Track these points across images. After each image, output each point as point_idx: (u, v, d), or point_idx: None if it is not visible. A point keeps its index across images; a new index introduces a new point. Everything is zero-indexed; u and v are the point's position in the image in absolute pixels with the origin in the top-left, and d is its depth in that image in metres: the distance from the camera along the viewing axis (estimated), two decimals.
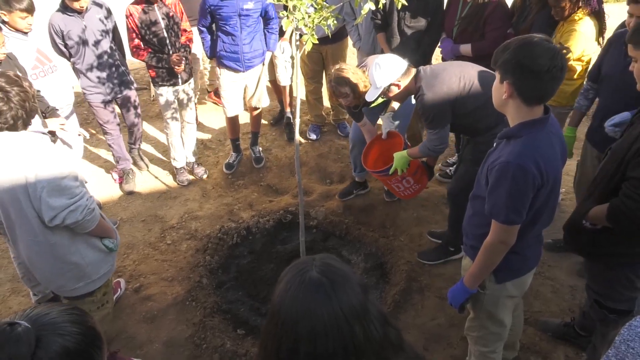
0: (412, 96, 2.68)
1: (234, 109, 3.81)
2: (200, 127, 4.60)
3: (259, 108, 3.96)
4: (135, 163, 4.13)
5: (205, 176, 4.04)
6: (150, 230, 3.50)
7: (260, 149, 4.21)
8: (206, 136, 4.57)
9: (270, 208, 3.65)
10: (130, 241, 3.38)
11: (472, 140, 2.64)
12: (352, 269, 1.05)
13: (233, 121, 3.92)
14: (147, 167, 4.15)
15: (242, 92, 3.79)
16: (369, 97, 2.58)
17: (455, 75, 2.43)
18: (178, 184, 3.98)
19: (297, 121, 2.49)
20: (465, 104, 2.44)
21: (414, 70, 2.53)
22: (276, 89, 4.46)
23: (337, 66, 2.86)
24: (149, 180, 4.05)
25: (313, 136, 4.39)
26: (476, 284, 1.81)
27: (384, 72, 2.48)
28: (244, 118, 4.30)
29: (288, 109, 4.39)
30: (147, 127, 4.69)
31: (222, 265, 3.24)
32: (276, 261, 3.25)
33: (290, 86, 4.25)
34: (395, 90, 2.55)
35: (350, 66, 2.85)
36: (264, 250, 3.37)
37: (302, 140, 4.34)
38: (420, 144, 2.70)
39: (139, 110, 3.85)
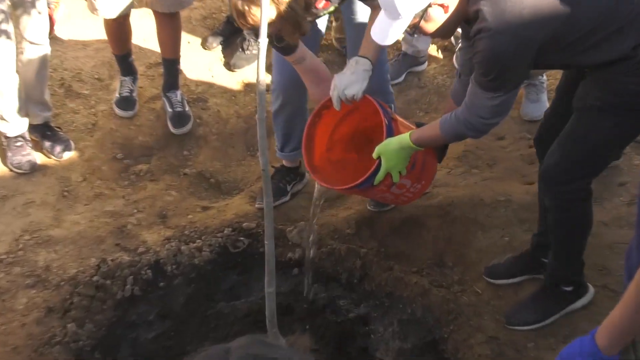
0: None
1: (110, 6, 3.64)
2: (58, 50, 4.25)
3: (173, 12, 3.81)
4: None
5: (68, 155, 3.75)
6: None
7: (185, 97, 3.98)
8: (70, 69, 4.23)
9: (205, 223, 3.45)
10: None
11: (593, 73, 2.53)
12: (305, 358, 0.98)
13: (116, 27, 3.79)
14: None
15: None
16: (381, 40, 2.49)
17: None
18: (10, 169, 3.71)
19: (264, 43, 2.29)
20: (564, 34, 2.37)
21: None
22: None
23: None
24: None
25: None
26: (618, 346, 1.77)
27: None
28: (148, 28, 4.04)
29: None
30: None
31: (102, 343, 3.02)
32: (215, 334, 3.07)
33: None
34: (438, 18, 2.42)
35: None
36: (191, 313, 3.19)
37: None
38: (444, 115, 2.68)
39: None
